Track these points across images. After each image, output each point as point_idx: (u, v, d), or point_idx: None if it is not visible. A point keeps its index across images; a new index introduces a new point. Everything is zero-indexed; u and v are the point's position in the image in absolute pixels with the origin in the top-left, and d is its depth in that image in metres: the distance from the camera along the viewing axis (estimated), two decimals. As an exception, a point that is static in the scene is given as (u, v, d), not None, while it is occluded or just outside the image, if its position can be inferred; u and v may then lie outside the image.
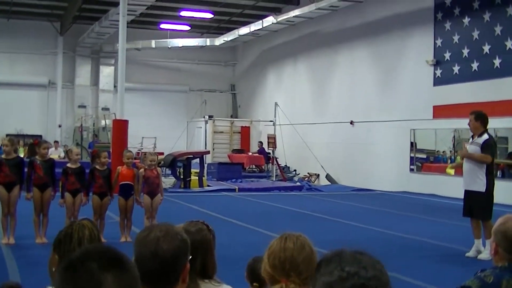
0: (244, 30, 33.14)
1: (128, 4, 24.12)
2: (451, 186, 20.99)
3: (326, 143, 29.26)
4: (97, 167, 12.24)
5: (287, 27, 31.64)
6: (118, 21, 24.29)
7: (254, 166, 32.91)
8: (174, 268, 2.64)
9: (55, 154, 26.46)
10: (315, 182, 29.17)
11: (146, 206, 12.44)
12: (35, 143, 13.43)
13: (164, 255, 2.62)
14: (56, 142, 31.09)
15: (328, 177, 28.52)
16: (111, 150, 21.38)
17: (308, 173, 30.20)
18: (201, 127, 32.89)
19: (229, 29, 35.12)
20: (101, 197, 12.13)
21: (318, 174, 29.53)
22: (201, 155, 25.78)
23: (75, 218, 11.24)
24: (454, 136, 22.73)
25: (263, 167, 32.44)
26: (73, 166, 12.12)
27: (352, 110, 27.71)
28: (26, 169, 11.98)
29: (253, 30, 32.38)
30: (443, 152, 23.68)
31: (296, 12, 28.91)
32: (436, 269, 10.22)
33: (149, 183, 12.49)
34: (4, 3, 32.59)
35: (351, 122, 27.66)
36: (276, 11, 32.75)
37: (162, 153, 25.93)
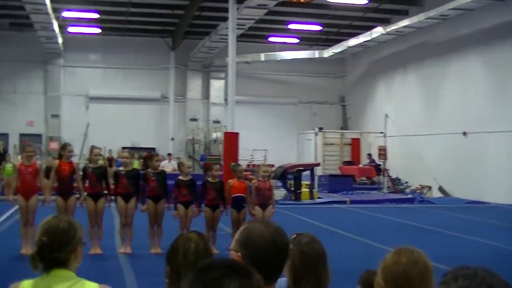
0: (353, 42, 33.01)
1: (237, 19, 24.49)
2: None
3: (438, 155, 28.66)
4: (209, 179, 12.46)
5: (396, 37, 31.32)
6: (227, 35, 24.71)
7: (365, 178, 32.63)
8: (284, 259, 2.81)
9: (169, 166, 27.03)
10: (427, 194, 28.61)
11: (258, 218, 12.52)
12: (147, 156, 13.86)
13: (281, 245, 2.79)
14: (169, 154, 31.82)
15: (440, 189, 27.94)
16: (222, 163, 21.65)
17: (420, 185, 29.67)
18: (311, 139, 32.92)
19: (338, 41, 35.03)
20: (213, 210, 12.34)
21: (430, 186, 28.98)
22: (311, 167, 25.79)
23: (188, 229, 11.46)
24: None
25: (374, 179, 32.14)
26: (185, 179, 12.39)
27: (465, 121, 27.01)
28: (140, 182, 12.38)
29: (362, 41, 32.22)
30: None
31: (405, 22, 28.61)
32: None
33: (261, 195, 12.57)
34: (119, 22, 33.83)
35: (464, 133, 26.97)
36: (385, 22, 32.42)
37: (273, 165, 26.09)
